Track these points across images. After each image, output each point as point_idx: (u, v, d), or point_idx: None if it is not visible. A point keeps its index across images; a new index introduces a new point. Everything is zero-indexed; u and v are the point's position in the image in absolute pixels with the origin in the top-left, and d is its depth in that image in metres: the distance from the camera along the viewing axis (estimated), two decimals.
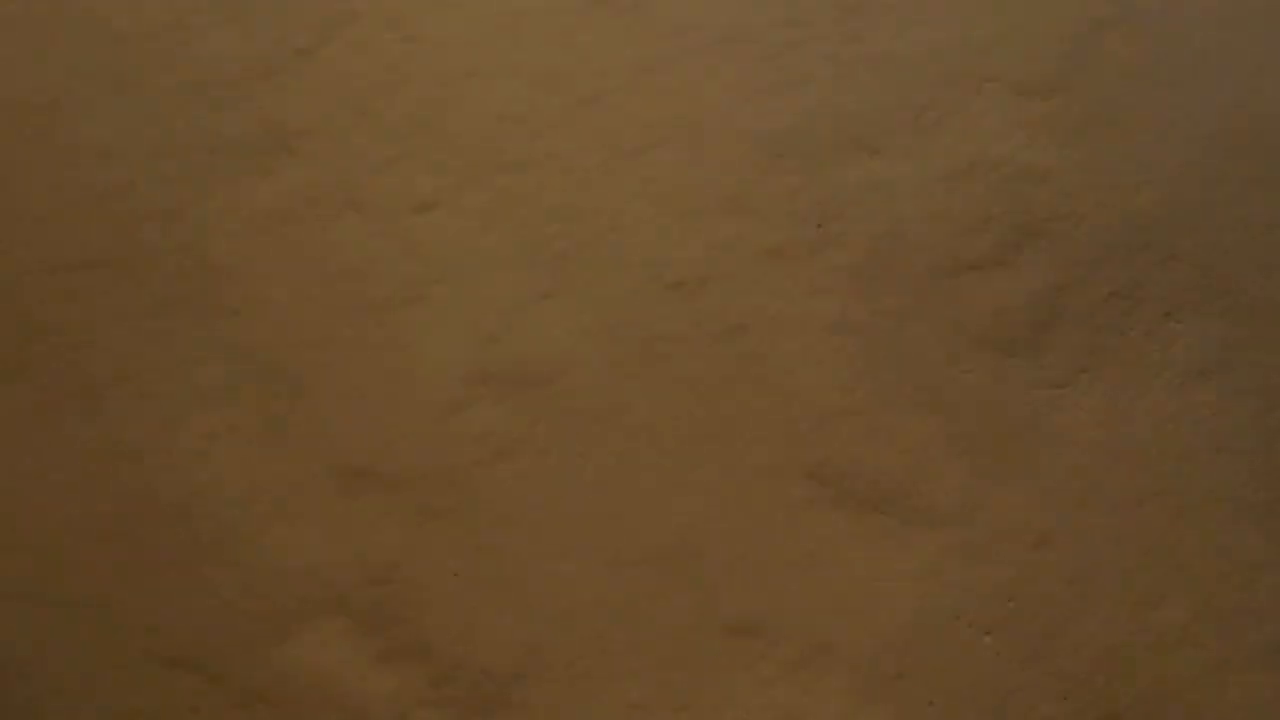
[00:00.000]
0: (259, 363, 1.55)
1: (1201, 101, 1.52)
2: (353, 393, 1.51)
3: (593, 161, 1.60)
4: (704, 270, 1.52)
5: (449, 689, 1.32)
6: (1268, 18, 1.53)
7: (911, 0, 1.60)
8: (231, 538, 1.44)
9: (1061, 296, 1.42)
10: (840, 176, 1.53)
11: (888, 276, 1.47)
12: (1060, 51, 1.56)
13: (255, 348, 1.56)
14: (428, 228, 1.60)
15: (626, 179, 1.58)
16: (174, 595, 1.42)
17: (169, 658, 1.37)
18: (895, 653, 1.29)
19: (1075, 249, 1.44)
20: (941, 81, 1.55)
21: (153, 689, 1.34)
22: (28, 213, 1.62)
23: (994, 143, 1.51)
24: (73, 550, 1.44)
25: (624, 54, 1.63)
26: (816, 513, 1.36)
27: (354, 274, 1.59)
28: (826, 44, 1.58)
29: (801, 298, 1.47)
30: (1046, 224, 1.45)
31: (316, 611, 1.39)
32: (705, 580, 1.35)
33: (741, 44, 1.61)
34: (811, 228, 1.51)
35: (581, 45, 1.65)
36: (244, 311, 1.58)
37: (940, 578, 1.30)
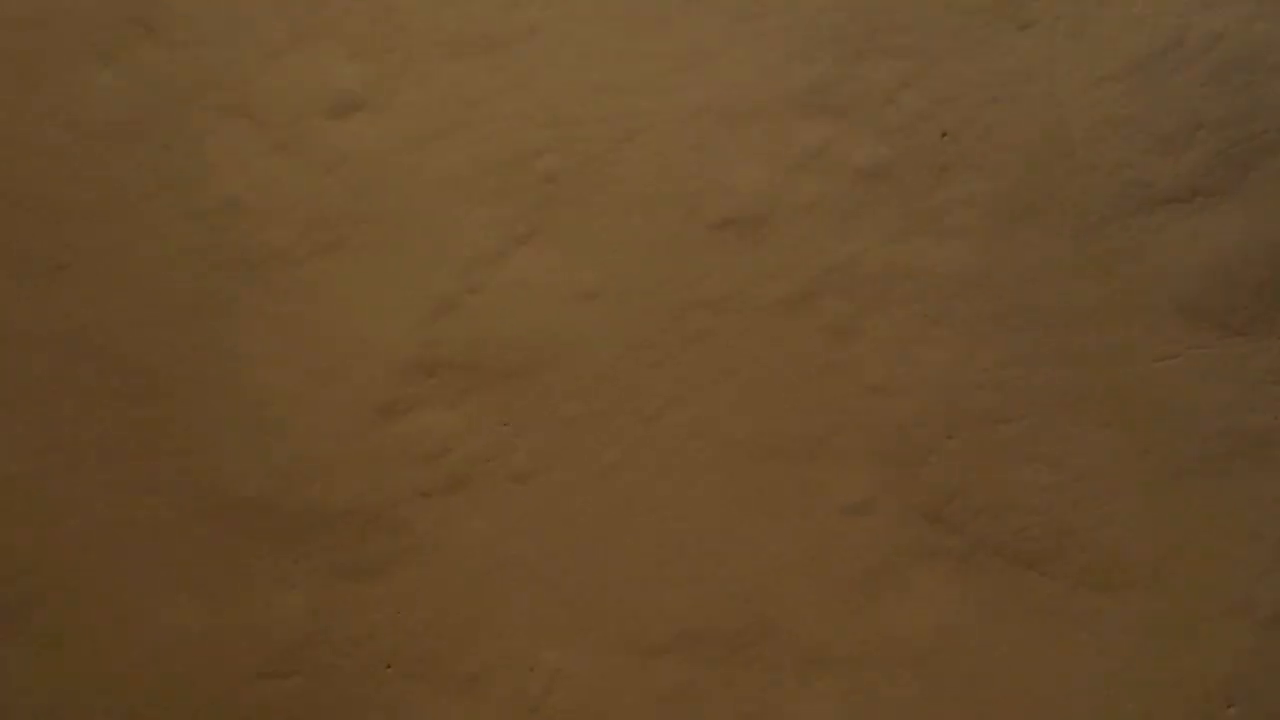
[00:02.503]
0: (97, 347, 1.41)
1: None
2: (239, 391, 1.39)
3: (596, 39, 1.40)
4: (765, 204, 1.36)
5: None
6: None
7: None
8: (56, 605, 1.36)
9: None
10: (973, 62, 1.34)
11: (1042, 212, 1.31)
12: None
13: (91, 324, 1.41)
14: (349, 140, 1.42)
15: (647, 65, 1.39)
16: None
17: None
18: None
19: None
20: None
21: None
22: None
23: (1203, 11, 1.30)
24: None
25: None
26: (936, 571, 1.26)
27: (240, 210, 1.42)
28: None
29: (913, 243, 1.32)
30: None
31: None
32: (768, 674, 1.28)
33: None
34: (931, 137, 1.33)
35: None
36: (75, 266, 1.42)
37: (1126, 669, 1.22)
